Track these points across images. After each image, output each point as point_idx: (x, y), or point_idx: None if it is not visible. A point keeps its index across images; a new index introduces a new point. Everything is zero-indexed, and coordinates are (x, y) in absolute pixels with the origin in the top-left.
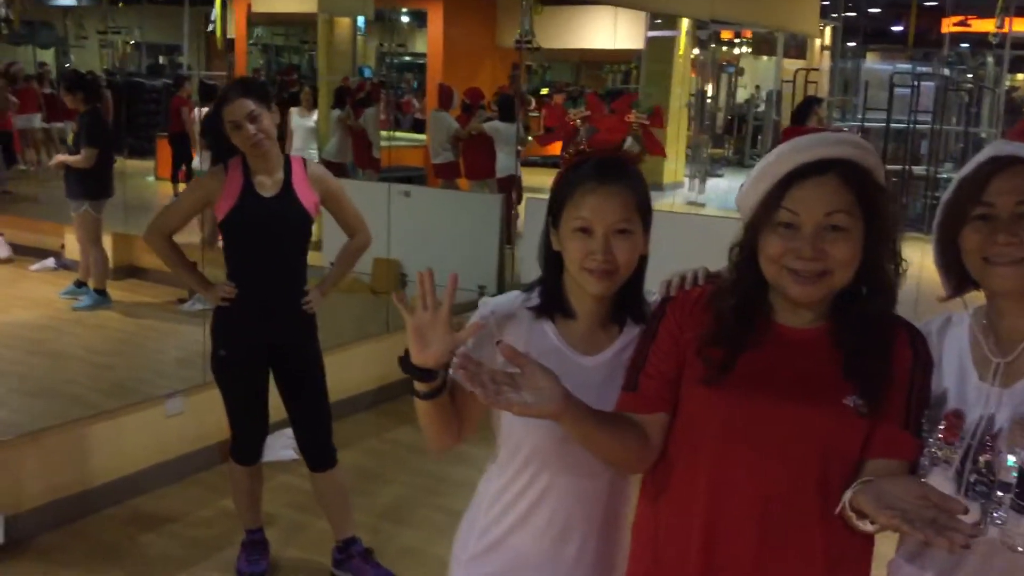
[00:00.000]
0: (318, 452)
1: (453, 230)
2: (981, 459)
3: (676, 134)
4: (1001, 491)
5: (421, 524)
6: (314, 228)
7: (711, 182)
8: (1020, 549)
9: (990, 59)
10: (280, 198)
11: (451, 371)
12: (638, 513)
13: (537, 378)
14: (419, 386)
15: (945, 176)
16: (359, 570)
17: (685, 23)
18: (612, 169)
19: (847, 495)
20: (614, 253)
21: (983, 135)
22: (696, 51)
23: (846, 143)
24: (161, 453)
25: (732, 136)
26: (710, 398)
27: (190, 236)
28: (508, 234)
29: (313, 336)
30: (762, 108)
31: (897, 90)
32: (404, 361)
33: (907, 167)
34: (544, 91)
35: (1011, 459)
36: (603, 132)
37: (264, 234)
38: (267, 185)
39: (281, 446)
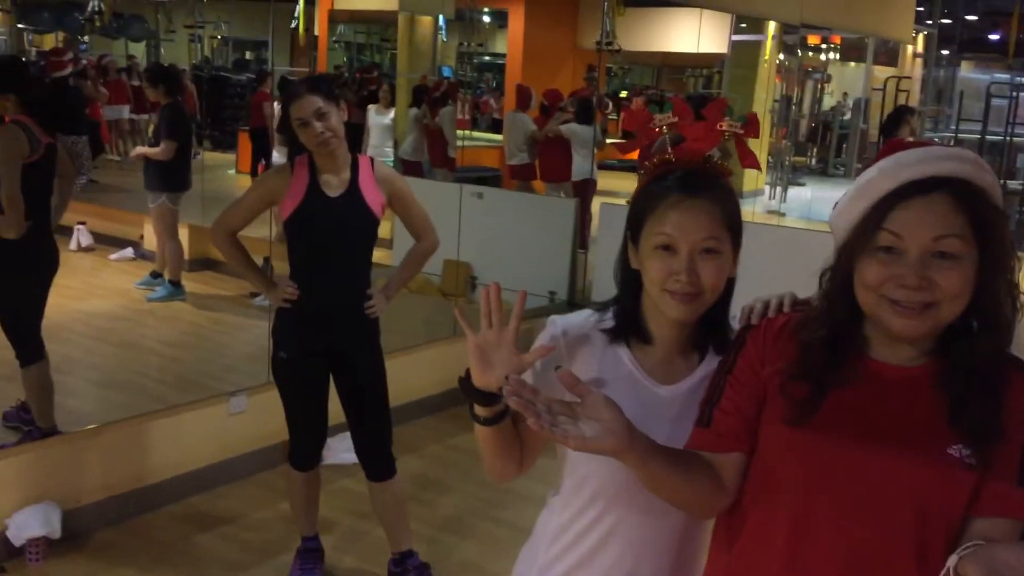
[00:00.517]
0: (377, 462)
1: (525, 233)
2: None
3: (759, 141)
4: None
5: (482, 538)
6: (385, 227)
7: (792, 191)
8: None
9: None
10: (346, 198)
11: (503, 397)
12: (709, 561)
13: (599, 409)
14: (480, 411)
15: None
16: None
17: (772, 27)
18: (700, 181)
19: (952, 560)
20: (699, 274)
21: None
22: (781, 56)
23: (958, 159)
24: (222, 452)
25: (816, 144)
26: (792, 440)
27: (260, 230)
28: (582, 238)
29: (375, 341)
30: (848, 116)
31: (994, 101)
32: (464, 383)
33: (1003, 181)
34: (623, 94)
35: None
36: (691, 140)
37: (328, 234)
38: (333, 184)
39: (344, 449)
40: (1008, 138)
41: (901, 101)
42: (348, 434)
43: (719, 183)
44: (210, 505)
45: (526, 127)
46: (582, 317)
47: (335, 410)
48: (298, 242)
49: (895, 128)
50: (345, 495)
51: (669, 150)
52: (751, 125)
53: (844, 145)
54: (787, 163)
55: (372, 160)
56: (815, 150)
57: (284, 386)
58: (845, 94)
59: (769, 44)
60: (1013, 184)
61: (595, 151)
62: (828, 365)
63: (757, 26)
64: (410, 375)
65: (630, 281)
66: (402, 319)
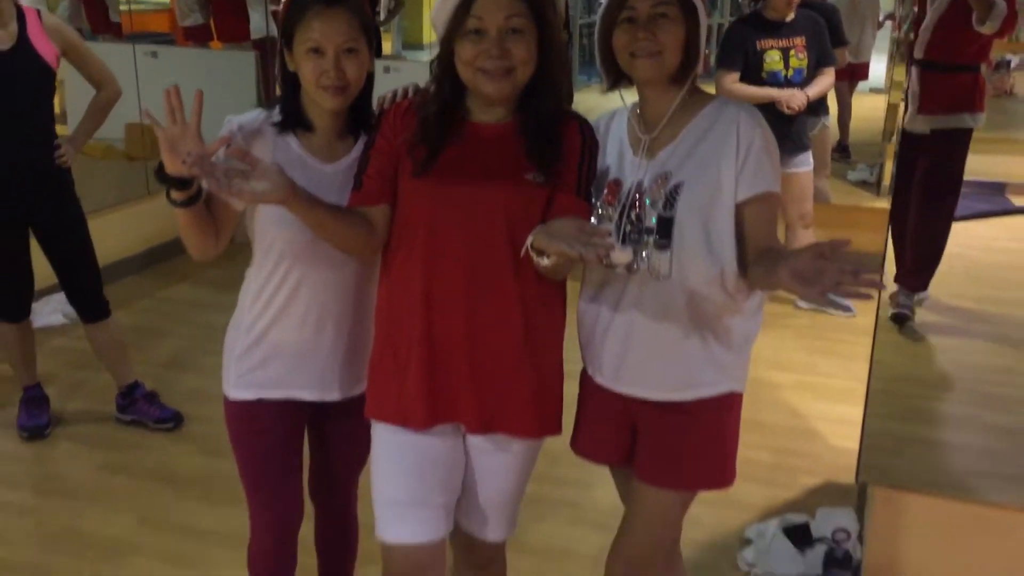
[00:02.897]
0: (90, 302)
1: (207, 90)
2: (633, 214)
3: None
4: (647, 235)
5: (204, 368)
6: (56, 100)
7: None
8: (662, 275)
9: None
10: (16, 52)
11: (186, 170)
12: (377, 296)
13: (265, 171)
14: (175, 195)
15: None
16: (144, 411)
17: None
18: None
19: (529, 239)
20: (344, 71)
21: None
22: None
23: None
24: None
25: None
26: (419, 187)
27: None
28: (267, 92)
29: (71, 191)
30: None
31: None
32: (159, 172)
33: None
34: None
35: (651, 211)
36: None
37: (3, 92)
38: (1, 38)
39: (50, 311)
40: None
41: None
42: (54, 296)
43: None
44: None
45: None
46: (253, 115)
47: (39, 274)
48: None
49: None
50: (61, 352)
51: None
52: None
53: None
54: None
55: (39, 12)
56: None
57: None
58: None
59: None
60: None
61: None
62: (440, 130)
63: None
64: (109, 237)
65: (289, 81)
66: (93, 184)
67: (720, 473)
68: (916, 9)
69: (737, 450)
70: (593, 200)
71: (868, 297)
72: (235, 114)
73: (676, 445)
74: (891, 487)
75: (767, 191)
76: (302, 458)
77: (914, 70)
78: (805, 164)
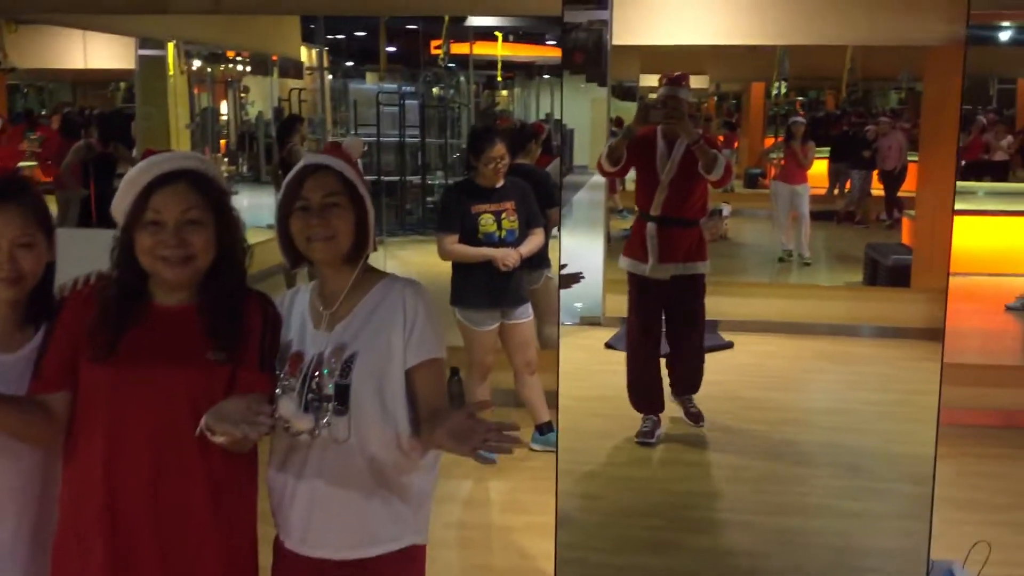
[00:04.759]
0: None
1: None
2: (313, 383)
3: None
4: (326, 403)
5: None
6: None
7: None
8: (342, 440)
9: (462, 78)
10: None
11: None
12: (61, 481)
13: None
14: None
15: (437, 183)
16: None
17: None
18: (9, 190)
19: (202, 422)
20: (19, 263)
21: (464, 145)
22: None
23: (192, 158)
24: None
25: (246, 153)
26: (100, 372)
27: None
28: None
29: None
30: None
31: (386, 108)
32: None
33: (404, 177)
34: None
35: (328, 380)
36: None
37: None
38: None
39: None
40: (402, 139)
41: (306, 111)
42: None
43: (27, 188)
44: None
45: None
46: None
47: None
48: None
49: (288, 135)
50: None
51: None
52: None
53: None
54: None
55: None
56: (246, 158)
57: None
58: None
59: (171, 58)
60: (415, 179)
61: None
62: (120, 313)
63: (158, 41)
64: None
65: None
66: None
67: None
68: None
69: None
70: (277, 372)
71: (510, 451)
72: None
73: None
74: None
75: (432, 357)
76: None
77: (650, 225)
78: (525, 315)
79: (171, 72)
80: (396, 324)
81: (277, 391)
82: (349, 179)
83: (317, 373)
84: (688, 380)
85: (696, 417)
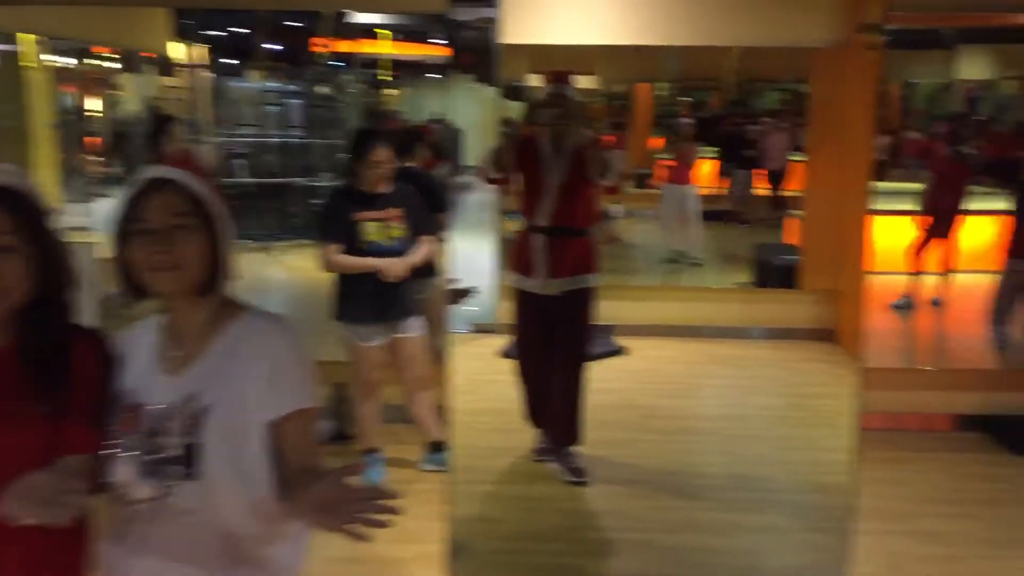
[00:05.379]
0: None
1: None
2: (155, 441)
3: (45, 156)
4: (172, 465)
5: None
6: None
7: (99, 203)
8: (190, 510)
9: (348, 77)
10: None
11: None
12: None
13: None
14: None
15: (323, 184)
16: None
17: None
18: None
19: (2, 508)
20: None
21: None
22: (64, 63)
23: (9, 173)
24: None
25: (120, 152)
26: None
27: None
28: None
29: None
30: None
31: (269, 107)
32: None
33: (288, 179)
34: None
35: (175, 438)
36: None
37: None
38: None
39: None
40: (285, 140)
41: (181, 110)
42: None
43: None
44: None
45: None
46: None
47: None
48: None
49: (158, 136)
50: None
51: None
52: None
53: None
54: (85, 177)
55: None
56: (120, 158)
57: None
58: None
59: (31, 52)
60: (300, 180)
61: None
62: None
63: (10, 35)
64: None
65: None
66: None
67: None
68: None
69: None
70: (113, 427)
71: (384, 525)
72: None
73: None
74: None
75: (299, 408)
76: None
77: (537, 237)
78: (413, 329)
79: (30, 67)
80: (255, 371)
81: (113, 451)
82: (199, 196)
83: (161, 429)
84: (568, 430)
85: (579, 473)
